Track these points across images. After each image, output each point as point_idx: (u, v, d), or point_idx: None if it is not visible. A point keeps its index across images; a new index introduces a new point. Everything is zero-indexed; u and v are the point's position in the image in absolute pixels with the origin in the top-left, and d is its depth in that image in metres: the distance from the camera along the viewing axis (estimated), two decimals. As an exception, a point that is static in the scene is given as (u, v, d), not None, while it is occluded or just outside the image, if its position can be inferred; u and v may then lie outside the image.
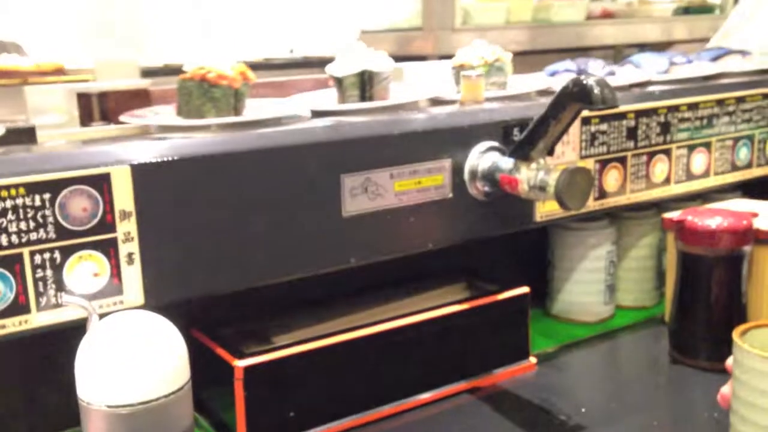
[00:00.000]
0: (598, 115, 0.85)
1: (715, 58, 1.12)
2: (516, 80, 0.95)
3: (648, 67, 1.04)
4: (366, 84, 0.80)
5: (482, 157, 0.77)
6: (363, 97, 0.81)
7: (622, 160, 0.88)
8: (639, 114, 0.89)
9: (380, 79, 0.81)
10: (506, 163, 0.75)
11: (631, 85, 0.97)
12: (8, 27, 2.01)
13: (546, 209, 0.84)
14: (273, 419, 0.70)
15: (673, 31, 2.83)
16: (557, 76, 0.99)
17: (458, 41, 2.03)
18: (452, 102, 0.86)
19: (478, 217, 0.80)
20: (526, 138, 0.72)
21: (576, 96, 0.65)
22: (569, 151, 0.84)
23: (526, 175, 0.72)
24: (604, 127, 0.86)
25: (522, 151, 0.73)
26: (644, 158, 0.90)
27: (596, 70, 0.97)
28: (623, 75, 1.00)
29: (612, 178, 0.88)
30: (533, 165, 0.72)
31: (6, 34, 1.87)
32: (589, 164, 0.86)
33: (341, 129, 0.71)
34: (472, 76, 0.81)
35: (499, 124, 0.79)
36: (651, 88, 0.95)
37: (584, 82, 0.65)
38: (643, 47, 2.53)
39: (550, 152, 0.73)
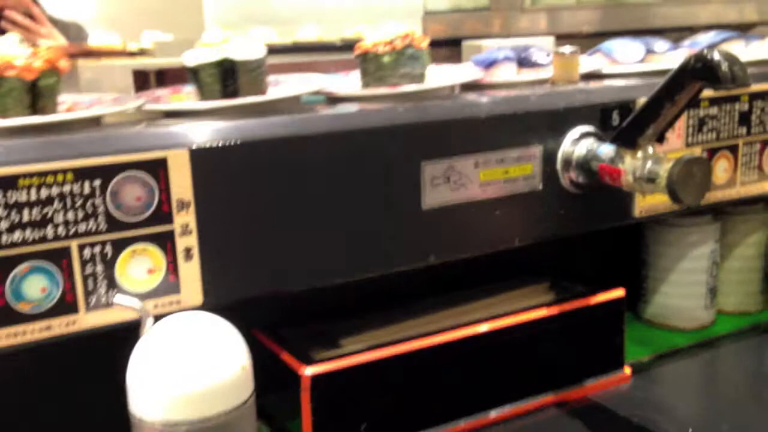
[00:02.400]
0: (707, 98, 0.75)
1: (711, 46, 0.90)
2: (437, 71, 0.79)
3: (621, 56, 0.88)
4: (228, 76, 0.65)
5: (577, 143, 0.68)
6: (225, 92, 0.65)
7: (733, 149, 0.78)
8: (754, 96, 0.78)
9: (247, 69, 0.65)
10: (607, 150, 0.66)
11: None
12: (65, 7, 1.99)
13: (647, 203, 0.74)
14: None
15: (752, 11, 2.65)
16: (496, 67, 0.83)
17: (528, 22, 1.93)
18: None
19: (571, 211, 0.71)
20: (633, 122, 0.63)
21: (698, 73, 0.56)
22: (673, 138, 0.74)
23: (632, 165, 0.63)
24: (713, 111, 0.76)
25: (627, 138, 0.64)
26: (757, 146, 0.80)
27: (540, 58, 0.83)
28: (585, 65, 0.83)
29: (721, 169, 0.78)
30: (639, 153, 0.63)
31: (65, 14, 1.85)
32: (696, 153, 0.76)
33: (423, 110, 0.63)
34: (565, 54, 0.72)
35: (596, 107, 0.70)
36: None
37: (709, 56, 0.55)
38: (719, 29, 2.37)
39: (660, 139, 0.64)
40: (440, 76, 0.77)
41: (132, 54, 1.57)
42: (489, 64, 0.83)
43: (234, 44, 0.64)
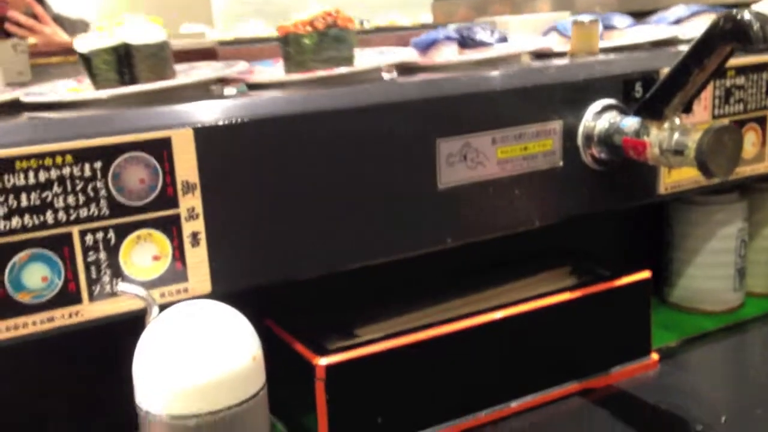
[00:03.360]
0: (734, 67, 0.72)
1: (678, 21, 0.87)
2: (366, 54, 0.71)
3: None
4: (124, 62, 0.59)
5: (599, 117, 0.65)
6: (122, 80, 0.59)
7: (761, 121, 0.75)
8: (783, 66, 0.75)
9: (145, 54, 0.59)
10: (631, 123, 0.63)
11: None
12: (71, 4, 1.97)
13: (672, 179, 0.71)
14: (358, 424, 0.60)
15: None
16: (435, 48, 0.76)
17: (542, 3, 1.88)
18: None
19: (593, 189, 0.68)
20: (658, 92, 0.60)
21: (728, 34, 0.53)
22: (699, 109, 0.71)
23: (658, 137, 0.60)
24: (741, 80, 0.73)
25: (652, 109, 0.61)
26: (787, 119, 0.77)
27: (485, 37, 0.76)
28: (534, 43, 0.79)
29: (749, 143, 0.75)
30: (666, 124, 0.60)
31: (72, 11, 1.83)
32: (722, 126, 0.73)
33: (437, 85, 0.61)
34: (585, 23, 0.69)
35: (618, 78, 0.67)
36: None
37: (739, 16, 0.52)
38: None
39: (687, 109, 0.61)
40: (369, 58, 0.70)
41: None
42: (427, 46, 0.76)
43: (130, 27, 0.59)
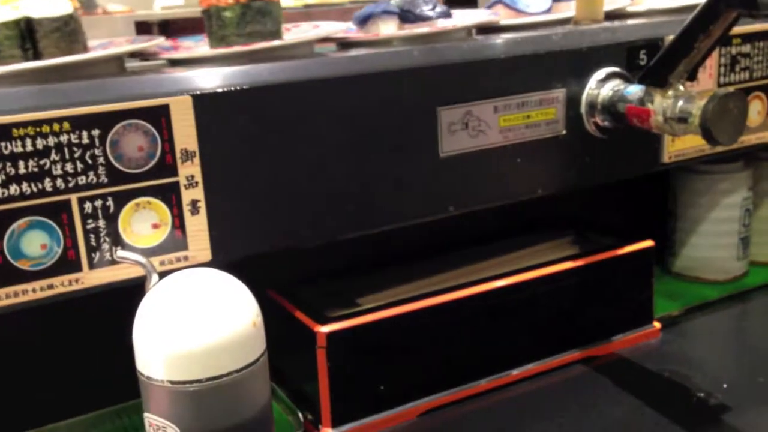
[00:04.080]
0: (740, 34, 0.71)
1: None
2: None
3: (524, 6, 0.78)
4: (27, 37, 0.55)
5: (603, 85, 0.65)
6: (26, 56, 0.56)
7: (767, 89, 0.74)
8: (789, 33, 0.74)
9: (50, 29, 0.55)
10: (635, 91, 0.62)
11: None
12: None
13: (676, 148, 0.71)
14: (360, 392, 0.60)
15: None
16: (372, 23, 0.72)
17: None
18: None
19: (596, 157, 0.67)
20: (662, 59, 0.59)
21: (735, 0, 0.52)
22: (705, 77, 0.70)
23: (662, 105, 0.59)
24: (746, 48, 0.72)
25: (656, 76, 0.60)
26: (793, 87, 0.76)
27: (426, 11, 0.72)
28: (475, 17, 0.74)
29: (754, 111, 0.74)
30: (670, 92, 0.59)
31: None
32: (727, 94, 0.72)
33: (439, 52, 0.60)
34: (589, -10, 0.68)
35: (622, 46, 0.66)
36: None
37: (746, -19, 0.51)
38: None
39: (691, 76, 0.60)
40: (298, 33, 0.68)
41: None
42: (364, 19, 0.73)
43: (34, 0, 0.56)
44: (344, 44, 0.70)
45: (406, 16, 0.71)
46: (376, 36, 0.69)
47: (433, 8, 0.72)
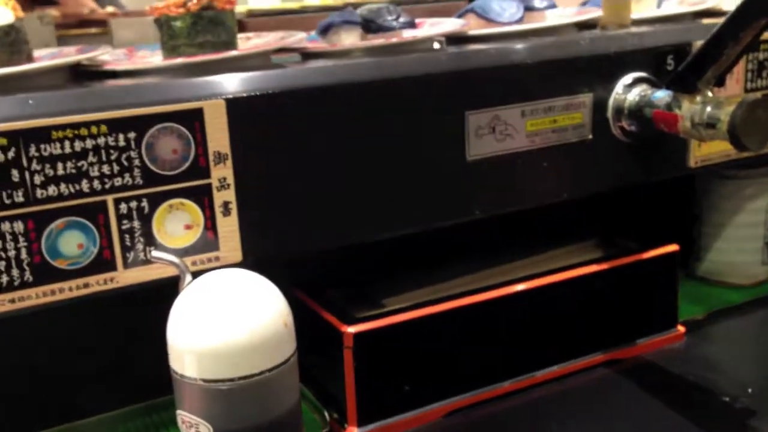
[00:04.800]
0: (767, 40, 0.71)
1: None
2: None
3: (496, 15, 0.74)
4: None
5: (629, 90, 0.65)
6: None
7: (795, 95, 0.74)
8: (818, 38, 0.74)
9: None
10: (662, 96, 0.62)
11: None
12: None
13: (703, 153, 0.71)
14: (386, 392, 0.61)
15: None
16: (334, 33, 0.70)
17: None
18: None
19: (622, 162, 0.67)
20: (691, 64, 0.59)
21: (765, 7, 0.52)
22: (731, 82, 0.70)
23: (690, 110, 0.59)
24: (775, 53, 0.72)
25: (685, 81, 0.60)
26: (821, 92, 0.75)
27: (389, 22, 0.70)
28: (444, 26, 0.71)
29: (782, 116, 0.74)
30: (698, 98, 0.60)
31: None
32: (754, 99, 0.72)
33: (467, 57, 0.60)
34: (616, -6, 0.68)
35: (650, 51, 0.66)
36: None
37: (777, -12, 0.51)
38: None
39: (720, 82, 0.60)
40: (253, 42, 0.66)
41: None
42: (325, 29, 0.71)
43: None
44: (305, 55, 0.69)
45: (368, 26, 0.69)
46: (333, 47, 0.68)
47: (397, 18, 0.70)
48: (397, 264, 0.71)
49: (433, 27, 0.73)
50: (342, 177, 0.56)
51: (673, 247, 0.71)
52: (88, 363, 0.64)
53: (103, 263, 0.50)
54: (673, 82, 0.61)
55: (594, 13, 0.77)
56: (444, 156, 0.60)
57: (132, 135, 0.49)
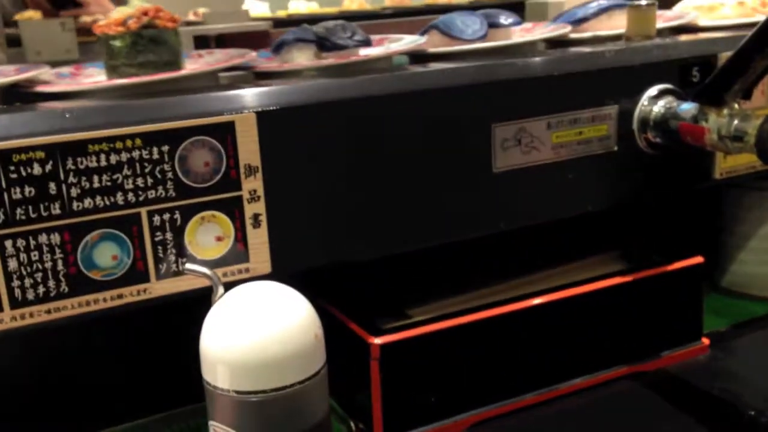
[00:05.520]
0: (794, 52, 0.70)
1: (581, 19, 0.78)
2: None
3: (459, 32, 0.72)
4: None
5: (655, 102, 0.65)
6: None
7: (821, 107, 0.74)
8: (844, 49, 0.73)
9: None
10: (688, 108, 0.62)
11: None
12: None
13: (728, 164, 0.71)
14: (411, 403, 0.61)
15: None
16: (286, 51, 0.68)
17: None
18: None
19: (647, 174, 0.68)
20: (717, 77, 0.59)
21: (794, 21, 0.52)
22: (758, 95, 0.70)
23: (716, 123, 0.60)
24: (800, 65, 0.71)
25: (711, 94, 0.60)
26: None
27: (344, 41, 0.68)
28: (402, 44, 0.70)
29: (807, 128, 0.73)
30: (725, 111, 0.60)
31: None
32: (780, 111, 0.72)
33: (493, 69, 0.61)
34: (641, 6, 0.68)
35: (675, 63, 0.66)
36: None
37: (807, 3, 0.51)
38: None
39: (747, 95, 0.60)
40: (204, 60, 0.64)
41: (189, 23, 1.58)
42: (278, 47, 0.68)
43: None
44: (256, 74, 0.67)
45: (323, 44, 0.67)
46: (280, 66, 0.65)
47: (351, 36, 0.68)
48: (423, 275, 0.72)
49: (392, 46, 0.71)
50: (369, 190, 0.57)
51: (697, 259, 0.71)
52: (111, 372, 0.65)
53: (136, 274, 0.51)
54: (700, 94, 0.61)
55: (562, 30, 0.75)
56: (470, 168, 0.60)
57: (165, 148, 0.50)
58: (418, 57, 0.71)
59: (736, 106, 0.60)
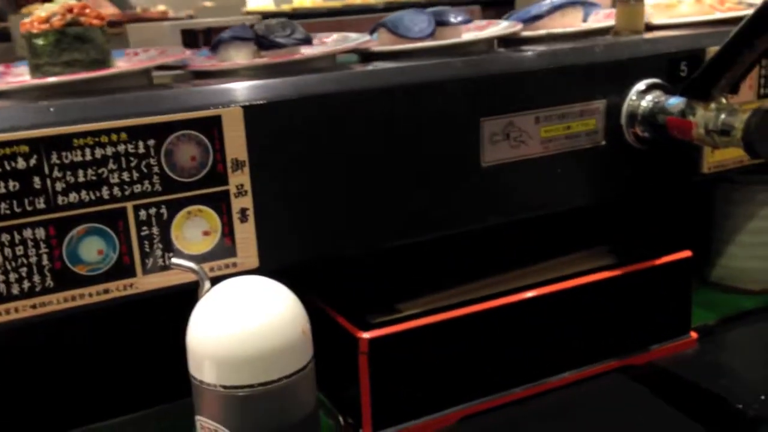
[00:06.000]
0: (782, 46, 0.71)
1: (535, 17, 0.76)
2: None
3: (405, 31, 0.69)
4: None
5: (643, 96, 0.65)
6: None
7: (808, 101, 0.74)
8: (831, 44, 0.74)
9: None
10: (676, 103, 0.62)
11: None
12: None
13: (716, 159, 0.71)
14: (400, 397, 0.61)
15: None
16: (224, 49, 0.65)
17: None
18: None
19: (635, 168, 0.68)
20: (705, 72, 0.59)
21: (781, 15, 0.52)
22: (745, 88, 0.70)
23: (704, 117, 0.60)
24: (788, 60, 0.72)
25: (699, 89, 0.60)
26: (834, 98, 0.75)
27: (278, 37, 0.65)
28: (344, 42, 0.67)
29: (795, 123, 0.74)
30: (712, 105, 0.60)
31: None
32: (768, 105, 0.72)
33: (481, 63, 0.61)
34: (630, 1, 0.68)
35: (663, 58, 0.66)
36: None
37: (793, -5, 0.51)
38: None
39: (734, 89, 0.60)
40: (138, 58, 0.62)
41: (179, 19, 1.58)
42: (215, 45, 0.66)
43: None
44: (194, 74, 0.65)
45: (261, 42, 0.64)
46: (214, 66, 0.63)
47: (290, 34, 0.65)
48: (412, 270, 0.72)
49: (336, 44, 0.69)
50: (357, 184, 0.57)
51: (686, 254, 0.71)
52: (98, 368, 0.65)
53: (122, 269, 0.50)
54: (687, 88, 0.62)
55: (513, 28, 0.73)
56: (459, 162, 0.60)
57: (151, 142, 0.50)
58: (365, 55, 0.70)
59: (724, 100, 0.60)
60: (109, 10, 1.52)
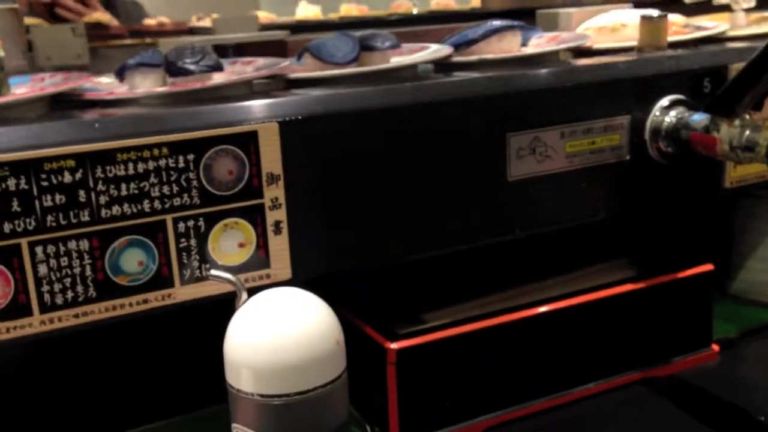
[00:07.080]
0: (804, 63, 0.71)
1: (470, 41, 0.72)
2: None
3: (329, 56, 0.66)
4: None
5: (667, 112, 0.66)
6: None
7: (830, 117, 0.75)
8: None
9: None
10: (700, 119, 0.63)
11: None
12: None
13: (738, 174, 0.72)
14: (427, 407, 0.62)
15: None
16: (129, 76, 0.62)
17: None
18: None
19: (658, 182, 0.69)
20: (729, 88, 0.60)
21: (805, 35, 0.53)
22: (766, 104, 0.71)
23: (728, 134, 0.61)
24: (810, 76, 0.72)
25: (723, 105, 0.61)
26: None
27: (185, 64, 0.61)
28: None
29: (816, 138, 0.74)
30: (736, 121, 0.61)
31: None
32: (789, 121, 0.73)
33: (508, 80, 0.62)
34: (653, 18, 0.70)
35: (687, 74, 0.67)
36: None
37: (818, 17, 0.52)
38: None
39: (758, 106, 0.61)
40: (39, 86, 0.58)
41: (192, 31, 1.59)
42: (119, 71, 0.63)
43: None
44: (92, 102, 0.61)
45: (169, 68, 0.62)
46: (109, 94, 0.60)
47: (199, 61, 0.61)
48: (438, 281, 0.73)
49: (253, 70, 0.66)
50: (388, 197, 0.58)
51: (707, 267, 0.72)
52: (135, 374, 0.66)
53: (161, 280, 0.52)
54: (711, 105, 0.63)
55: (442, 53, 0.70)
56: (486, 176, 0.61)
57: (191, 157, 0.51)
58: (296, 82, 0.66)
59: (748, 116, 0.61)
60: (98, 15, 1.54)
